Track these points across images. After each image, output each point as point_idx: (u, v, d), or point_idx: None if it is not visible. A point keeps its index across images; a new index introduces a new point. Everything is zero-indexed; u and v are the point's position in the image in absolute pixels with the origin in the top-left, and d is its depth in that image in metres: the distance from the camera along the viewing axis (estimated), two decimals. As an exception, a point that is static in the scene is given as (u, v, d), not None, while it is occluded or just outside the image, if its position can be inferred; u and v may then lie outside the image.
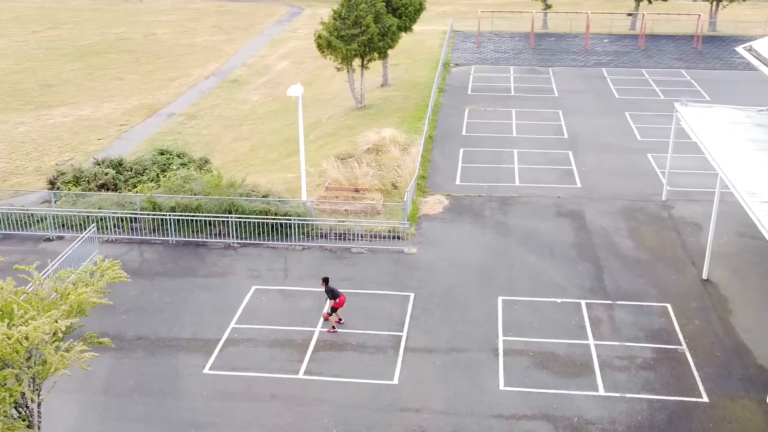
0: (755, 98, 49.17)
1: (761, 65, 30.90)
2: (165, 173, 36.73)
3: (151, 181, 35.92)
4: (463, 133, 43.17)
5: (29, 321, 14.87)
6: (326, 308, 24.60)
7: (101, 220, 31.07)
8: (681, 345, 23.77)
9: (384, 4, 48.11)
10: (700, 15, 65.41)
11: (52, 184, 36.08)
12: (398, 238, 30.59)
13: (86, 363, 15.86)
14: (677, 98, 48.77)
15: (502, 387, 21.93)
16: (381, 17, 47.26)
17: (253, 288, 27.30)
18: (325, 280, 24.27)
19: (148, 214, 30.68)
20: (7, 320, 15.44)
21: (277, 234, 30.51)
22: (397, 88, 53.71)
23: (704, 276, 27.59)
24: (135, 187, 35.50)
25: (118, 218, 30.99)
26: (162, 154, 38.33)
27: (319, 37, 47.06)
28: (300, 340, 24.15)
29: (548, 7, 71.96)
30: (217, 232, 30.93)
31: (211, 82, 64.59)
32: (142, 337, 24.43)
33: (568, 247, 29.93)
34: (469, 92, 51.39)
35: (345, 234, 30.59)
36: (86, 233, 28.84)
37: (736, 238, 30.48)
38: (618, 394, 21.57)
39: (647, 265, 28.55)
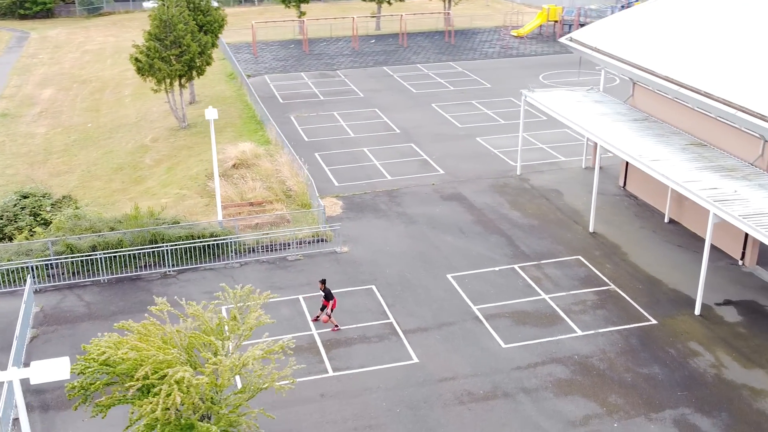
0: (524, 81, 57.09)
1: (585, 50, 37.34)
2: (40, 216, 35.10)
3: (32, 226, 34.13)
4: (306, 139, 45.51)
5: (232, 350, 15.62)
6: (326, 311, 26.33)
7: (13, 272, 29.35)
8: (610, 285, 28.99)
9: (194, 22, 48.67)
10: (449, 12, 73.15)
11: None
12: (322, 240, 32.61)
13: (292, 379, 16.76)
14: (464, 88, 55.23)
15: (504, 345, 25.48)
16: (195, 35, 47.84)
17: (223, 308, 27.97)
18: (323, 282, 26.06)
19: (99, 254, 29.59)
20: (213, 353, 15.95)
21: (206, 256, 31.07)
22: (208, 103, 54.20)
23: (591, 230, 33.23)
24: (15, 235, 33.56)
25: (29, 267, 29.40)
26: (25, 197, 36.36)
27: (138, 60, 46.45)
28: (307, 345, 25.69)
29: (303, 14, 75.56)
30: (144, 264, 30.70)
31: (-23, 119, 59.59)
32: (151, 373, 24.35)
33: (471, 224, 34.08)
34: (281, 101, 53.51)
35: (271, 245, 31.92)
36: (27, 286, 27.38)
37: (609, 195, 36.64)
38: (593, 331, 26.14)
39: (542, 228, 33.60)
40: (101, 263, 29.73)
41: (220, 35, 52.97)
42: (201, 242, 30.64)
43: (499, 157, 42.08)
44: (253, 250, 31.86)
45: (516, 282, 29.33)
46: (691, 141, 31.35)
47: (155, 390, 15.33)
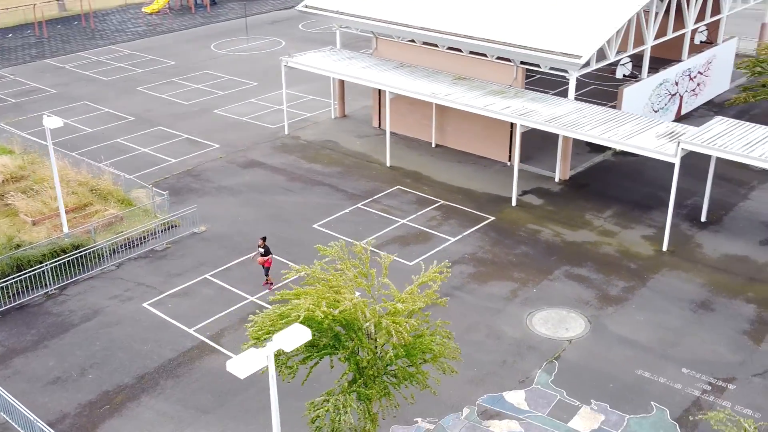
0: (201, 53, 59.94)
1: (328, 14, 42.58)
2: None
3: None
4: (43, 143, 43.49)
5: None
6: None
7: None
8: (440, 201, 35.58)
9: None
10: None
11: None
12: (173, 227, 33.75)
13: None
14: (149, 68, 56.37)
15: (411, 263, 30.68)
16: None
17: (145, 304, 28.55)
18: (264, 239, 28.41)
19: None
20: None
21: (74, 267, 30.46)
22: None
23: (388, 164, 39.29)
24: None
25: None
26: None
27: None
28: (258, 310, 27.96)
29: None
30: (14, 293, 29.10)
31: None
32: (143, 376, 24.83)
33: (289, 182, 37.78)
34: (-31, 111, 49.11)
35: (127, 243, 32.20)
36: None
37: (373, 136, 42.57)
38: (460, 236, 32.60)
39: (350, 172, 38.69)
40: (-17, 300, 27.67)
41: None
42: (81, 252, 30.00)
43: (252, 123, 45.43)
44: (115, 251, 31.82)
45: (371, 217, 34.31)
46: (453, 77, 38.81)
47: (382, 324, 17.92)
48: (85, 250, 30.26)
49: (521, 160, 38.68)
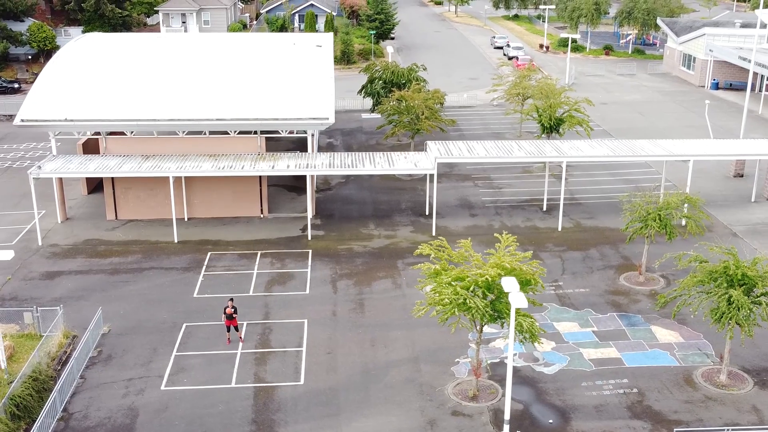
0: None
1: (54, 123, 44.81)
2: None
3: None
4: None
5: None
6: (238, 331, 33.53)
7: None
8: (258, 251, 43.19)
9: None
10: None
11: None
12: (75, 337, 34.76)
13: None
14: None
15: (308, 292, 38.65)
16: None
17: (163, 388, 31.03)
18: (232, 299, 33.36)
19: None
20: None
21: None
22: None
23: (176, 241, 44.40)
24: None
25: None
26: None
27: None
28: (253, 357, 33.39)
29: None
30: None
31: None
32: (254, 420, 28.98)
33: (120, 276, 40.18)
34: None
35: (61, 359, 32.76)
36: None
37: (121, 226, 45.99)
38: (310, 264, 41.37)
39: (158, 255, 42.65)
40: (36, 437, 27.04)
41: None
42: (65, 375, 30.22)
43: None
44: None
45: (227, 276, 40.09)
46: (207, 155, 45.88)
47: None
48: (63, 374, 30.37)
49: (270, 211, 48.16)
